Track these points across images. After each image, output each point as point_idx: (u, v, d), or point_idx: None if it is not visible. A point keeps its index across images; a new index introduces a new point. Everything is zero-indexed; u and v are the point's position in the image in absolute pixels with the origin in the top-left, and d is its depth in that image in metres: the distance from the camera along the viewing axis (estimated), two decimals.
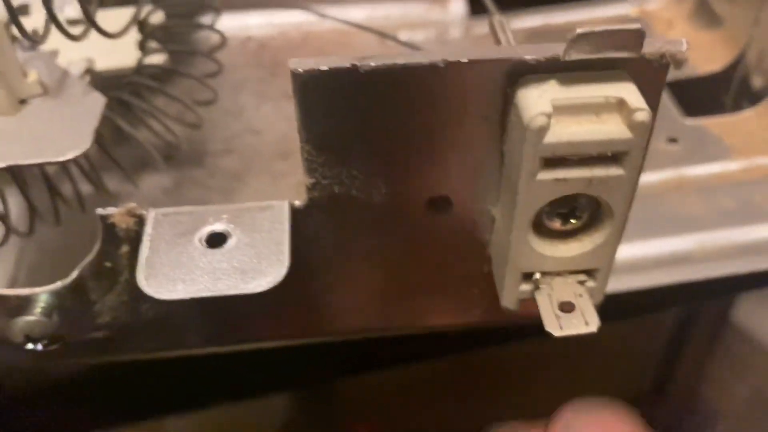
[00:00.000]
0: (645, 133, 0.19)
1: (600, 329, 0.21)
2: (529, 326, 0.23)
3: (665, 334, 0.59)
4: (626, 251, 0.36)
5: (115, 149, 0.34)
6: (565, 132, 0.18)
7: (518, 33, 0.51)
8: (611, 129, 0.19)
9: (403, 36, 0.49)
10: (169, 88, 0.37)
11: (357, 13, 0.50)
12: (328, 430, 0.46)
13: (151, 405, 0.41)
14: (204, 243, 0.21)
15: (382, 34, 0.40)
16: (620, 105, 0.19)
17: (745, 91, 0.47)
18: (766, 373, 0.56)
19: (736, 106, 0.46)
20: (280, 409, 0.46)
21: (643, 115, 0.18)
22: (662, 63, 0.19)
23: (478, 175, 0.22)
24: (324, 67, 0.18)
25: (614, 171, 0.19)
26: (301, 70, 0.18)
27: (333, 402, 0.47)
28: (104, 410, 0.41)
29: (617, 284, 0.34)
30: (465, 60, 0.18)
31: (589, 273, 0.23)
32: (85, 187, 0.34)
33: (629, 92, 0.19)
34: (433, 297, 0.27)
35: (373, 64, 0.18)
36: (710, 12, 0.50)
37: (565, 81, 0.19)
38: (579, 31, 0.18)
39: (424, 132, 0.21)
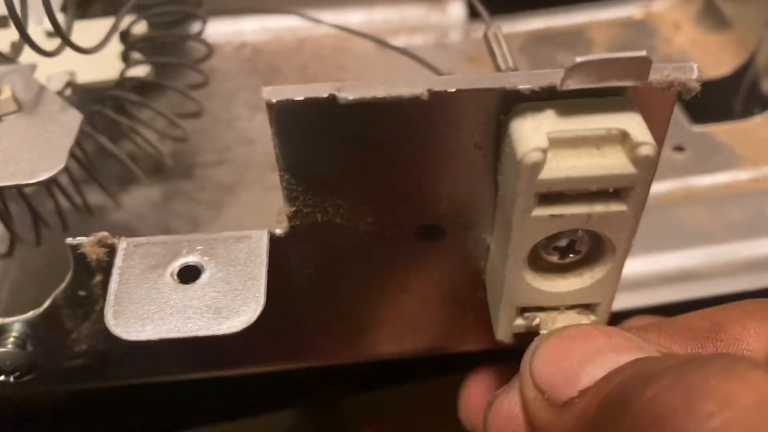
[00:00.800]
0: (650, 167, 0.17)
1: None
2: None
3: None
4: (629, 267, 0.34)
5: (101, 163, 0.32)
6: (563, 167, 0.17)
7: (520, 36, 0.49)
8: (613, 164, 0.17)
9: (402, 40, 0.47)
10: (156, 100, 0.35)
11: (356, 17, 0.49)
12: None
13: (154, 424, 0.40)
14: (176, 277, 0.20)
15: (377, 40, 0.38)
16: (623, 137, 0.17)
17: (755, 97, 0.45)
18: None
19: (746, 112, 0.44)
20: (284, 425, 0.45)
21: (647, 149, 0.17)
22: (671, 91, 0.18)
23: (470, 204, 0.21)
24: (299, 98, 0.17)
25: (616, 207, 0.18)
26: (274, 100, 0.17)
27: (339, 418, 0.46)
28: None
29: (618, 303, 0.33)
30: (452, 89, 0.17)
31: (589, 308, 0.21)
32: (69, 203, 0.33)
33: (633, 123, 0.17)
34: (425, 324, 0.26)
35: (350, 97, 0.16)
36: (718, 13, 0.48)
37: (563, 110, 0.17)
38: (578, 59, 0.16)
39: (412, 161, 0.19)
